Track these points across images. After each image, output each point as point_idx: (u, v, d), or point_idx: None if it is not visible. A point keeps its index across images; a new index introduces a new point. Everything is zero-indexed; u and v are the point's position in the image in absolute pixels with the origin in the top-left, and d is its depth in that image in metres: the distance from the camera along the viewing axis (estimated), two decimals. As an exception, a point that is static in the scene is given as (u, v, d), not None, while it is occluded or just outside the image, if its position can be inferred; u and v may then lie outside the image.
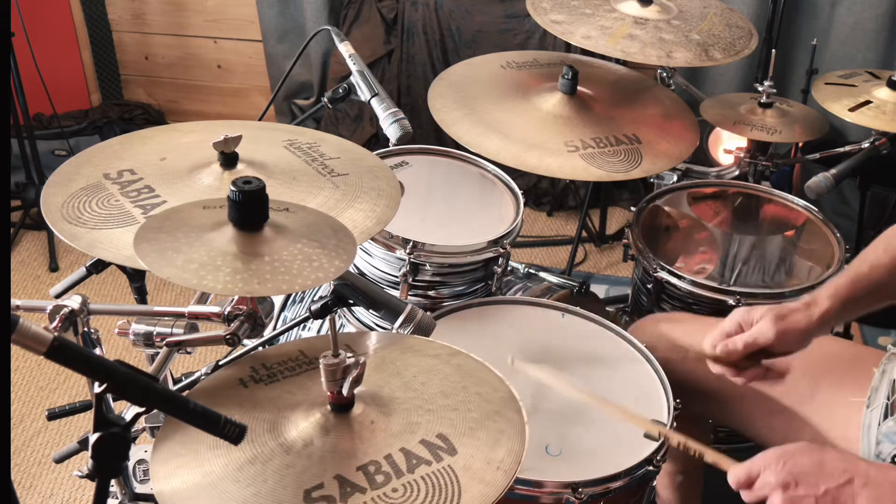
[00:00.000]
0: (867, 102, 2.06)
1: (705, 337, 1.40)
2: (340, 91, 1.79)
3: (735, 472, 1.22)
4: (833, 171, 2.01)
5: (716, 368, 1.39)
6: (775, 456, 1.20)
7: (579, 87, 1.94)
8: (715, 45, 1.99)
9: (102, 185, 1.36)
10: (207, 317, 1.32)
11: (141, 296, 1.66)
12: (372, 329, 1.77)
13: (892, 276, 1.40)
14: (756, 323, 1.36)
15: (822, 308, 1.36)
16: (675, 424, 1.45)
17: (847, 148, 2.18)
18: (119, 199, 1.33)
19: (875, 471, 1.18)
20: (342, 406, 1.16)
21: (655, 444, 1.41)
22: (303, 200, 1.34)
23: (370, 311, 1.48)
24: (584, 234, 3.15)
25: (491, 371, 1.28)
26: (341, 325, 1.82)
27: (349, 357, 1.14)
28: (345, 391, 1.14)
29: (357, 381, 1.14)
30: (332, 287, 1.39)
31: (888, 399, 1.37)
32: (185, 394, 1.25)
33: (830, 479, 1.16)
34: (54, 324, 1.26)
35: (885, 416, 1.37)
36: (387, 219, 1.36)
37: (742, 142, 2.21)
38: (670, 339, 1.63)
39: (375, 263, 1.77)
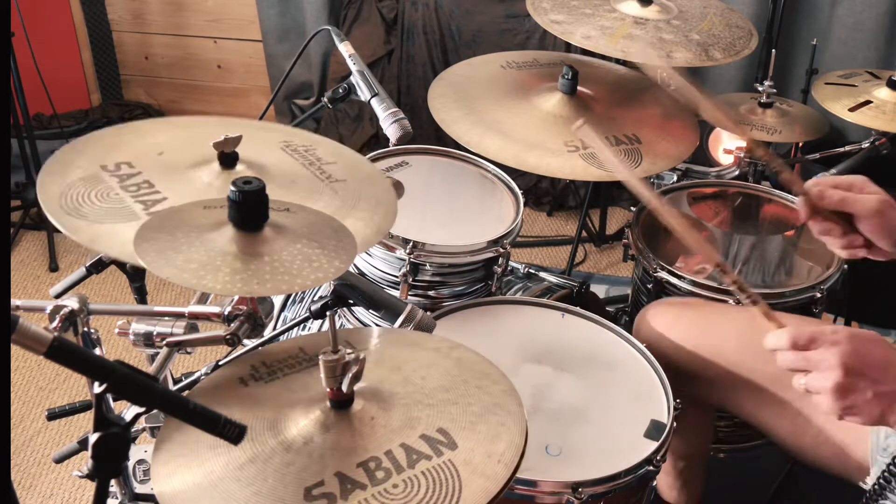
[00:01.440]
0: (867, 102, 2.07)
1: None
2: (340, 91, 1.79)
3: (796, 331, 1.15)
4: (833, 171, 2.01)
5: (799, 203, 1.36)
6: (847, 335, 1.13)
7: (579, 87, 1.94)
8: (715, 44, 1.99)
9: (100, 176, 1.35)
10: (207, 317, 1.32)
11: (141, 296, 1.66)
12: (372, 329, 1.77)
13: None
14: (866, 192, 1.33)
15: None
16: (674, 425, 1.46)
17: (847, 148, 2.18)
18: (119, 193, 1.32)
19: None
20: (342, 402, 1.16)
21: (656, 444, 1.41)
22: (304, 204, 1.34)
23: (370, 311, 1.48)
24: (584, 234, 3.15)
25: (491, 364, 1.28)
26: (341, 324, 1.82)
27: (349, 353, 1.14)
28: (344, 388, 1.14)
29: (357, 378, 1.14)
30: (332, 287, 1.39)
31: None
32: (185, 393, 1.25)
33: (893, 381, 1.11)
34: (54, 324, 1.26)
35: None
36: (385, 228, 1.35)
37: (742, 142, 2.21)
38: (681, 325, 1.63)
39: (375, 263, 1.77)
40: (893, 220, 1.32)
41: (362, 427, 1.14)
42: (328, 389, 1.15)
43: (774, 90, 2.17)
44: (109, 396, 0.99)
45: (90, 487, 1.47)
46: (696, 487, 1.87)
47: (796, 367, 1.15)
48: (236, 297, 1.30)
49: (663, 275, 1.84)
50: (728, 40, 2.02)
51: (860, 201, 1.33)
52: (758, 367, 1.53)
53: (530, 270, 2.08)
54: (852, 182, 1.36)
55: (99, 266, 1.50)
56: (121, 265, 1.48)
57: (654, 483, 1.48)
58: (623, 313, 2.14)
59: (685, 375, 1.51)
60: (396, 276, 1.73)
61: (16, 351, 0.94)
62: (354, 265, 1.80)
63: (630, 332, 1.67)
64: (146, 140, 1.47)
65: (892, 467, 1.33)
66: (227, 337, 1.28)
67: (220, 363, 1.34)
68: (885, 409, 1.11)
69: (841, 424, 1.43)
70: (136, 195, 1.32)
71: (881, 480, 1.31)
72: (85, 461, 1.05)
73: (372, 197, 1.40)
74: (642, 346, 1.60)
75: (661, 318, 1.66)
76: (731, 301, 1.77)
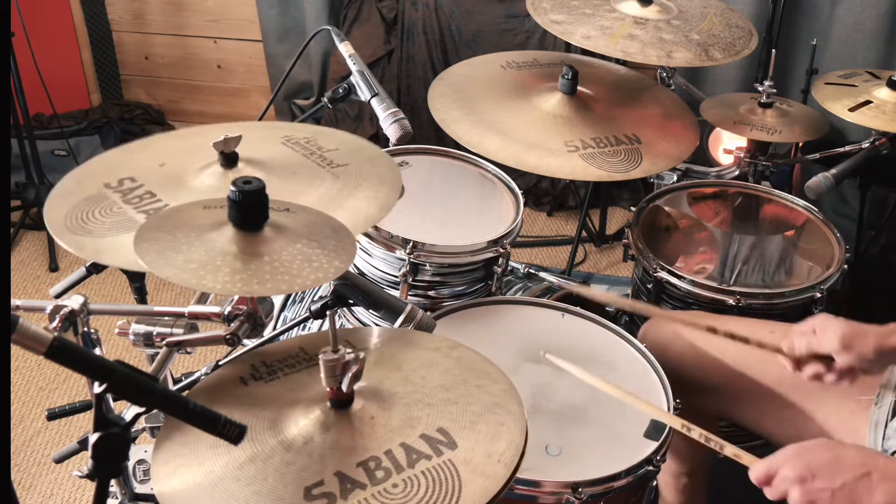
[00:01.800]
0: (867, 102, 2.06)
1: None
2: (340, 91, 1.79)
3: (756, 469, 1.24)
4: (833, 171, 2.01)
5: (781, 360, 1.43)
6: (794, 451, 1.22)
7: (579, 87, 1.94)
8: (715, 44, 1.99)
9: (104, 194, 1.36)
10: (207, 317, 1.32)
11: (141, 296, 1.66)
12: (372, 329, 1.77)
13: None
14: (828, 333, 1.38)
15: None
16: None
17: (847, 148, 2.18)
18: (122, 207, 1.33)
19: (894, 465, 1.19)
20: (342, 402, 1.16)
21: (655, 444, 1.41)
22: (304, 193, 1.34)
23: (370, 311, 1.48)
24: (584, 234, 3.15)
25: (491, 363, 1.28)
26: (341, 324, 1.82)
27: (349, 353, 1.14)
28: (344, 387, 1.14)
29: (357, 377, 1.14)
30: (332, 287, 1.39)
31: None
32: (185, 393, 1.25)
33: (847, 473, 1.18)
34: (54, 324, 1.26)
35: (894, 414, 1.38)
36: (390, 204, 1.36)
37: (742, 142, 2.21)
38: (684, 337, 1.63)
39: (375, 263, 1.77)
40: (860, 349, 1.36)
41: (362, 426, 1.14)
42: (328, 389, 1.15)
43: (774, 90, 2.17)
44: (109, 396, 0.99)
45: (90, 487, 1.47)
46: (701, 500, 1.87)
47: (778, 497, 1.24)
48: (236, 297, 1.30)
49: (663, 275, 1.84)
50: (728, 40, 2.02)
51: (823, 345, 1.39)
52: (758, 376, 1.54)
53: (530, 270, 2.08)
54: (812, 326, 1.41)
55: (99, 266, 1.51)
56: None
57: (654, 483, 1.48)
58: (623, 313, 2.14)
59: (687, 387, 1.52)
60: (396, 276, 1.73)
61: (16, 351, 0.94)
62: (354, 265, 1.80)
63: (630, 332, 1.67)
64: (147, 154, 1.48)
65: None
66: (227, 337, 1.28)
67: (220, 363, 1.34)
68: (852, 500, 1.17)
69: (841, 429, 1.44)
70: (139, 206, 1.33)
71: None
72: (85, 461, 1.05)
73: (375, 177, 1.41)
74: (642, 346, 1.60)
75: (663, 331, 1.67)
76: (731, 301, 1.77)
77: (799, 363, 1.41)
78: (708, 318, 1.68)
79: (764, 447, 1.93)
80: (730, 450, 1.26)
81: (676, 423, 1.34)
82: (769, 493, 1.24)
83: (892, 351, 1.36)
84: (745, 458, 1.26)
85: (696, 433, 1.28)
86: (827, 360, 1.39)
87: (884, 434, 1.39)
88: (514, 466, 1.10)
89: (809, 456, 1.21)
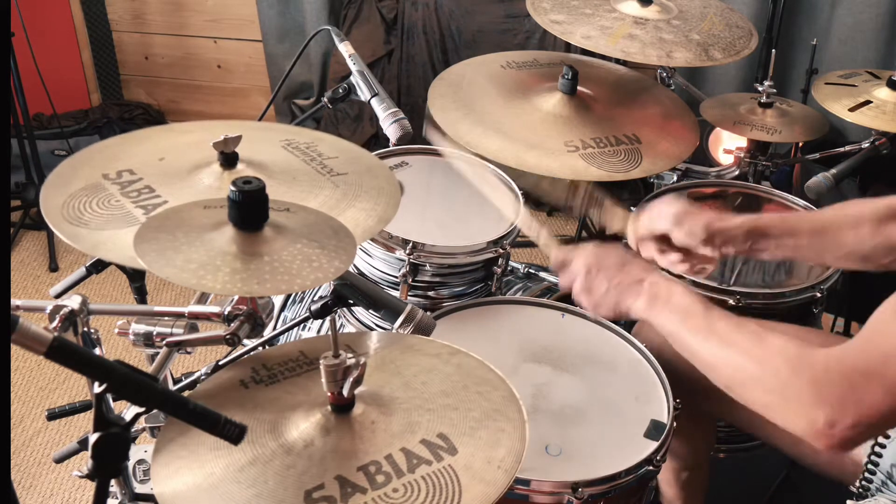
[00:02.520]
0: (867, 102, 2.06)
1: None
2: (340, 91, 1.79)
3: (555, 255, 1.42)
4: (833, 171, 2.00)
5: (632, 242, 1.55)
6: (591, 249, 1.39)
7: (579, 87, 1.94)
8: (715, 44, 1.99)
9: (102, 185, 1.36)
10: (207, 317, 1.32)
11: (141, 296, 1.66)
12: (372, 329, 1.77)
13: (819, 232, 1.50)
14: (662, 210, 1.51)
15: (733, 218, 1.48)
16: (674, 424, 1.46)
17: (847, 148, 2.18)
18: (120, 200, 1.32)
19: (664, 282, 1.32)
20: (343, 406, 1.16)
21: (655, 444, 1.41)
22: (304, 200, 1.34)
23: (370, 311, 1.48)
24: (584, 234, 3.15)
25: (491, 370, 1.28)
26: (341, 325, 1.82)
27: (350, 358, 1.14)
28: (345, 392, 1.14)
29: (357, 382, 1.14)
30: (332, 287, 1.39)
31: None
32: (185, 394, 1.25)
33: (626, 276, 1.34)
34: (54, 324, 1.26)
35: None
36: (388, 217, 1.36)
37: (742, 142, 2.21)
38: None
39: (375, 264, 1.77)
40: (690, 226, 1.48)
41: (363, 431, 1.14)
42: (329, 393, 1.15)
43: (774, 90, 2.17)
44: (109, 396, 0.99)
45: (90, 487, 1.47)
46: (699, 495, 1.87)
47: (565, 284, 1.41)
48: (236, 297, 1.30)
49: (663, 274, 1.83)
50: (728, 40, 2.02)
51: (657, 223, 1.51)
52: None
53: (530, 270, 2.08)
54: (654, 207, 1.53)
55: (99, 266, 1.50)
56: (121, 265, 1.48)
57: (654, 483, 1.48)
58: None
59: (684, 386, 1.51)
60: (396, 277, 1.73)
61: (16, 351, 0.94)
62: (354, 265, 1.80)
63: (629, 332, 1.67)
64: (147, 147, 1.48)
65: (869, 465, 1.34)
66: (227, 337, 1.28)
67: (220, 363, 1.34)
68: (619, 299, 1.34)
69: None
70: (137, 200, 1.32)
71: (863, 481, 1.36)
72: (85, 461, 1.05)
73: (374, 188, 1.41)
74: (642, 346, 1.60)
75: (656, 333, 1.66)
76: (731, 301, 1.77)
77: (638, 245, 1.54)
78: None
79: (762, 447, 1.94)
80: (544, 238, 1.50)
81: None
82: (562, 278, 1.42)
83: (722, 232, 1.47)
84: (553, 246, 1.45)
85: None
86: (665, 242, 1.51)
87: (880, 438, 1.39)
88: (514, 473, 1.10)
89: (602, 254, 1.37)
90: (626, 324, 2.00)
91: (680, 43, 1.96)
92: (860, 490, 1.38)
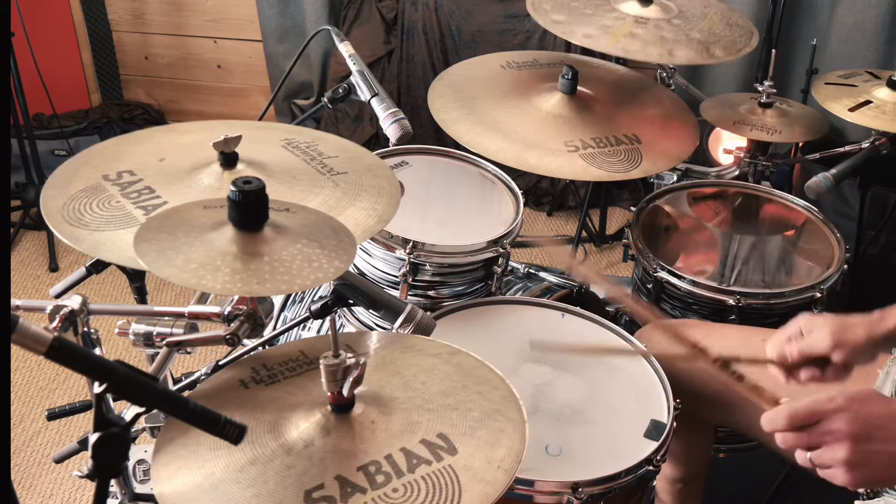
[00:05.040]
0: (867, 102, 2.06)
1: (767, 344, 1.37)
2: (340, 91, 1.79)
3: (794, 409, 1.09)
4: (833, 171, 2.00)
5: (773, 371, 1.35)
6: (846, 398, 1.08)
7: (579, 87, 1.94)
8: (716, 43, 1.99)
9: (102, 186, 1.36)
10: (207, 317, 1.32)
11: (141, 296, 1.66)
12: (372, 329, 1.77)
13: None
14: (815, 332, 1.32)
15: (888, 323, 1.30)
16: (674, 425, 1.46)
17: (847, 148, 2.17)
18: (120, 201, 1.33)
19: None
20: (343, 406, 1.16)
21: (655, 444, 1.41)
22: (304, 199, 1.34)
23: (370, 311, 1.48)
24: (584, 234, 3.15)
25: (491, 370, 1.28)
26: (341, 325, 1.82)
27: (349, 357, 1.14)
28: (345, 392, 1.14)
29: (357, 382, 1.14)
30: (332, 287, 1.39)
31: None
32: (185, 394, 1.25)
33: None
34: (54, 324, 1.26)
35: None
36: (388, 216, 1.36)
37: (742, 142, 2.21)
38: (676, 345, 1.63)
39: (375, 263, 1.77)
40: (851, 342, 1.31)
41: (363, 431, 1.14)
42: (329, 393, 1.15)
43: (774, 90, 2.16)
44: (109, 396, 0.99)
45: (90, 487, 1.47)
46: (696, 500, 1.87)
47: (801, 447, 1.11)
48: (236, 297, 1.30)
49: (663, 275, 1.84)
50: (729, 39, 2.02)
51: (815, 347, 1.32)
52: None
53: (530, 270, 2.08)
54: (798, 328, 1.35)
55: (99, 266, 1.50)
56: (121, 265, 1.48)
57: (654, 484, 1.48)
58: (623, 313, 2.14)
59: (683, 394, 1.51)
60: (396, 276, 1.73)
61: (16, 351, 0.94)
62: (354, 265, 1.80)
63: (630, 332, 1.67)
64: (147, 147, 1.48)
65: None
66: (227, 337, 1.28)
67: (220, 363, 1.34)
68: None
69: None
70: (137, 201, 1.32)
71: None
72: (85, 461, 1.05)
73: (374, 187, 1.41)
74: (642, 346, 1.60)
75: (658, 339, 1.66)
76: (731, 301, 1.77)
77: (790, 371, 1.35)
78: (700, 329, 1.67)
79: (762, 447, 1.94)
80: (748, 385, 1.17)
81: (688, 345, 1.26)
82: (796, 441, 1.09)
83: (883, 337, 1.31)
84: (766, 395, 1.15)
85: (713, 357, 1.20)
86: (820, 360, 1.35)
87: None
88: (514, 473, 1.10)
89: (866, 409, 1.06)
90: (627, 323, 2.01)
91: (681, 41, 1.96)
92: (869, 491, 1.36)
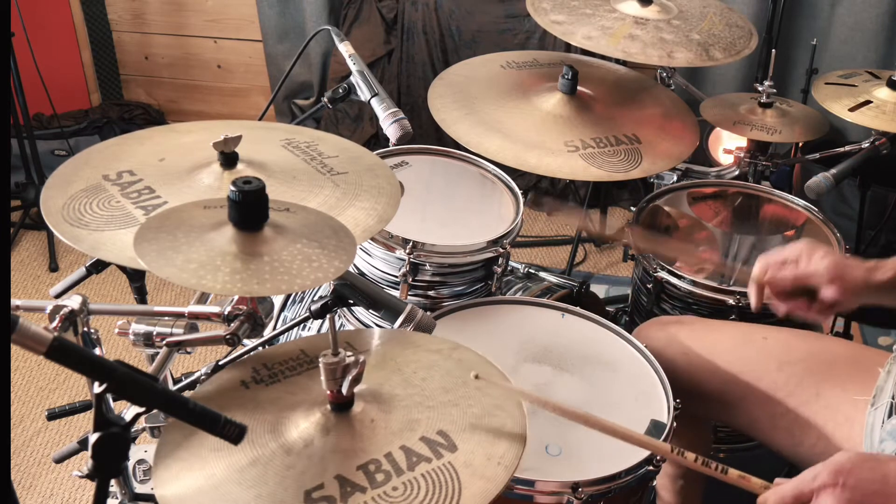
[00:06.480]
0: (867, 102, 2.06)
1: (759, 261, 1.36)
2: (340, 91, 1.79)
3: (780, 493, 1.08)
4: (833, 171, 2.00)
5: (752, 292, 1.35)
6: (830, 472, 1.06)
7: (579, 87, 1.94)
8: (715, 44, 1.99)
9: (102, 186, 1.36)
10: (207, 317, 1.32)
11: (141, 296, 1.66)
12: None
13: None
14: (815, 260, 1.32)
15: (884, 273, 1.32)
16: (674, 424, 1.46)
17: (847, 148, 2.17)
18: (120, 201, 1.33)
19: None
20: (342, 405, 1.16)
21: (655, 444, 1.41)
22: (304, 199, 1.34)
23: (370, 311, 1.48)
24: (584, 233, 3.15)
25: (492, 365, 1.28)
26: (341, 324, 1.82)
27: (349, 355, 1.14)
28: (344, 390, 1.14)
29: (357, 380, 1.14)
30: (332, 287, 1.39)
31: (892, 398, 1.37)
32: (186, 395, 1.25)
33: None
34: (54, 324, 1.26)
35: (889, 415, 1.37)
36: (388, 216, 1.36)
37: (742, 142, 2.21)
38: (677, 342, 1.63)
39: (375, 263, 1.77)
40: (850, 280, 1.32)
41: (362, 429, 1.14)
42: (328, 392, 1.15)
43: (774, 90, 2.17)
44: (109, 396, 0.99)
45: (90, 487, 1.47)
46: (696, 495, 1.87)
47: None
48: (236, 297, 1.30)
49: (663, 275, 1.84)
50: (728, 40, 2.02)
51: (813, 275, 1.32)
52: (752, 382, 1.54)
53: (530, 270, 2.08)
54: (800, 252, 1.34)
55: (99, 266, 1.50)
56: (121, 265, 1.48)
57: (654, 483, 1.48)
58: (623, 313, 2.14)
59: (682, 392, 1.52)
60: (396, 276, 1.73)
61: (16, 351, 0.94)
62: (354, 265, 1.80)
63: (630, 332, 1.67)
64: (147, 147, 1.48)
65: None
66: (227, 337, 1.28)
67: (220, 363, 1.34)
68: None
69: (837, 435, 1.43)
70: (137, 201, 1.33)
71: None
72: (85, 461, 1.05)
73: (374, 187, 1.41)
74: (642, 346, 1.60)
75: (656, 337, 1.66)
76: (730, 301, 1.77)
77: (778, 297, 1.34)
78: (700, 327, 1.66)
79: (761, 447, 1.94)
80: (734, 476, 1.14)
81: (667, 449, 1.23)
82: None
83: (875, 287, 1.32)
84: (753, 483, 1.12)
85: (691, 458, 1.18)
86: (807, 292, 1.33)
87: (880, 437, 1.39)
88: (514, 469, 1.10)
89: (853, 478, 1.04)
90: (626, 323, 2.01)
91: (680, 43, 1.96)
92: None
